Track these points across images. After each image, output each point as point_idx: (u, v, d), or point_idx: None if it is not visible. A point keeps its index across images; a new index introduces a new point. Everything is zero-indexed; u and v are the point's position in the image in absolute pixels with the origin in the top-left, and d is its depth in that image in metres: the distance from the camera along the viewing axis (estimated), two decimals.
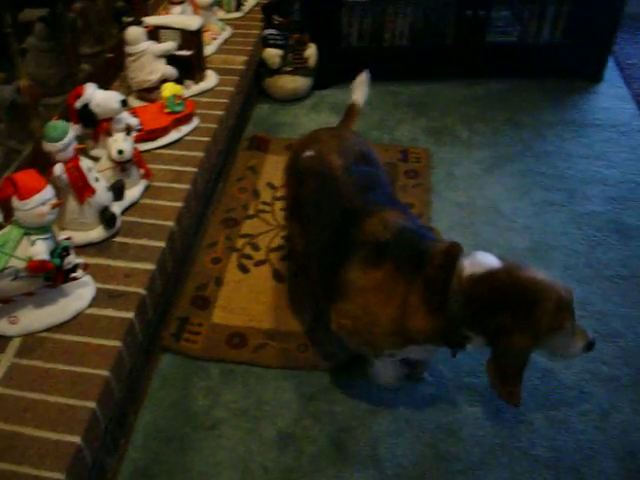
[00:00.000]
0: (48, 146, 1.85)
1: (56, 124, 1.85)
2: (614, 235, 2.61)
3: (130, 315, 1.78)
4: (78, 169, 1.88)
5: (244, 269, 2.39)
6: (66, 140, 1.84)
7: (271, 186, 2.76)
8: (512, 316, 1.57)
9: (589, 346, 1.70)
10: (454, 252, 1.64)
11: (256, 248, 2.47)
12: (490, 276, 1.59)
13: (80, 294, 1.79)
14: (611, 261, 2.48)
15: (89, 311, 1.78)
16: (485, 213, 2.70)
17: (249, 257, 2.44)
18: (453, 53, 3.56)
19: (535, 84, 3.60)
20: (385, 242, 1.69)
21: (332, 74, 3.50)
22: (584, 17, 3.47)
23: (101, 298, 1.82)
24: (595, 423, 1.95)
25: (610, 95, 3.54)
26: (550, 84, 3.60)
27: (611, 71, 3.72)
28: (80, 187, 1.89)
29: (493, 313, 1.59)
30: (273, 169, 2.83)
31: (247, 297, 2.28)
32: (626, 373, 2.09)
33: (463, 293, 1.59)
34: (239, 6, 3.44)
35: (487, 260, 1.63)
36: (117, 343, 1.70)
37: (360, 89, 2.40)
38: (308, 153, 2.01)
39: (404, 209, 1.87)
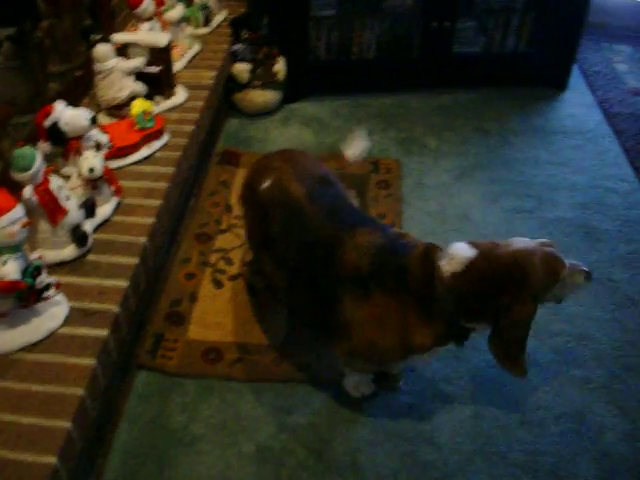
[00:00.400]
0: (17, 176, 1.82)
1: (24, 153, 1.81)
2: (584, 240, 2.64)
3: (104, 333, 1.77)
4: (49, 192, 1.86)
5: (218, 284, 2.38)
6: (34, 169, 1.81)
7: None
8: (508, 295, 1.58)
9: (588, 277, 1.69)
10: (429, 258, 1.65)
11: (230, 262, 2.47)
12: (471, 269, 1.61)
13: (53, 313, 1.78)
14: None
15: (63, 330, 1.77)
16: (455, 221, 2.72)
17: (223, 272, 2.43)
18: (420, 64, 3.60)
19: (502, 93, 3.65)
20: (367, 273, 1.69)
21: (301, 87, 3.52)
22: (548, 26, 3.53)
23: (75, 317, 1.81)
24: (570, 425, 1.97)
25: (575, 102, 3.60)
26: (516, 92, 3.65)
27: (576, 79, 3.79)
28: (52, 209, 1.88)
29: (487, 301, 1.61)
30: None
31: (222, 312, 2.28)
32: (599, 375, 2.12)
33: (450, 293, 1.61)
34: (207, 22, 3.44)
35: (461, 253, 1.64)
36: (91, 362, 1.69)
37: (353, 143, 2.28)
38: (266, 184, 1.95)
39: (373, 223, 1.86)
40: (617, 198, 2.88)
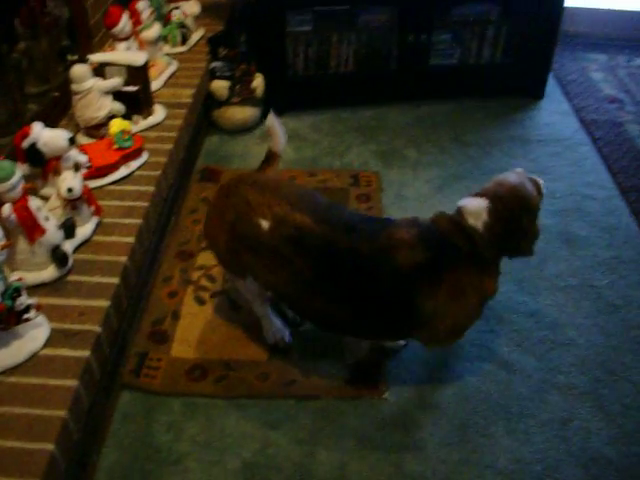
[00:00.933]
0: None
1: (2, 164, 1.82)
2: (564, 246, 2.66)
3: (86, 354, 1.76)
4: (27, 209, 1.86)
5: (200, 301, 2.38)
6: (13, 180, 1.82)
7: None
8: (524, 221, 1.84)
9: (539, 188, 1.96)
10: (458, 224, 1.83)
11: (212, 280, 2.47)
12: (492, 215, 1.81)
13: (34, 335, 1.77)
14: (562, 272, 2.54)
15: (44, 352, 1.76)
16: None
17: (205, 289, 2.43)
18: (398, 77, 3.62)
19: (479, 103, 3.67)
20: (429, 261, 1.81)
21: (280, 103, 3.52)
22: (523, 37, 3.57)
23: (56, 338, 1.80)
24: (556, 432, 1.98)
25: (552, 111, 3.63)
26: (494, 103, 3.67)
27: (552, 87, 3.82)
28: (30, 227, 1.88)
29: (514, 231, 1.84)
30: None
31: (205, 329, 2.27)
32: (583, 381, 2.13)
33: (490, 241, 1.82)
34: (185, 40, 3.45)
35: (478, 206, 1.83)
36: (74, 383, 1.68)
37: (275, 134, 2.15)
38: (266, 225, 1.85)
39: (388, 220, 1.96)
40: (596, 204, 2.90)
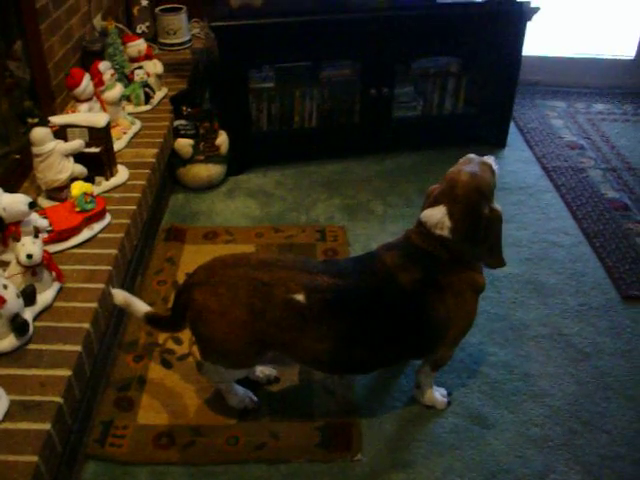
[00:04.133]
0: None
1: None
2: (533, 295, 2.66)
3: (47, 426, 1.69)
4: None
5: (167, 365, 2.32)
6: None
7: None
8: (485, 208, 1.86)
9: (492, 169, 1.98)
10: (428, 235, 1.89)
11: (178, 342, 2.42)
12: (453, 219, 1.85)
13: None
14: (532, 321, 2.53)
15: (2, 426, 1.69)
16: None
17: (172, 352, 2.37)
18: (362, 131, 3.65)
19: (443, 154, 3.69)
20: (421, 276, 1.87)
21: (245, 159, 3.53)
22: (483, 87, 3.64)
23: (15, 410, 1.73)
24: None
25: (515, 159, 3.68)
26: (457, 153, 3.60)
27: (513, 136, 3.88)
28: None
29: (478, 223, 1.86)
30: (191, 259, 2.80)
31: (172, 394, 2.21)
32: (558, 432, 2.10)
33: (460, 242, 1.86)
34: (148, 100, 3.45)
35: (438, 216, 1.87)
36: (34, 458, 1.61)
37: (131, 304, 2.08)
38: (301, 298, 1.82)
39: (367, 255, 2.05)
40: (562, 251, 2.92)
